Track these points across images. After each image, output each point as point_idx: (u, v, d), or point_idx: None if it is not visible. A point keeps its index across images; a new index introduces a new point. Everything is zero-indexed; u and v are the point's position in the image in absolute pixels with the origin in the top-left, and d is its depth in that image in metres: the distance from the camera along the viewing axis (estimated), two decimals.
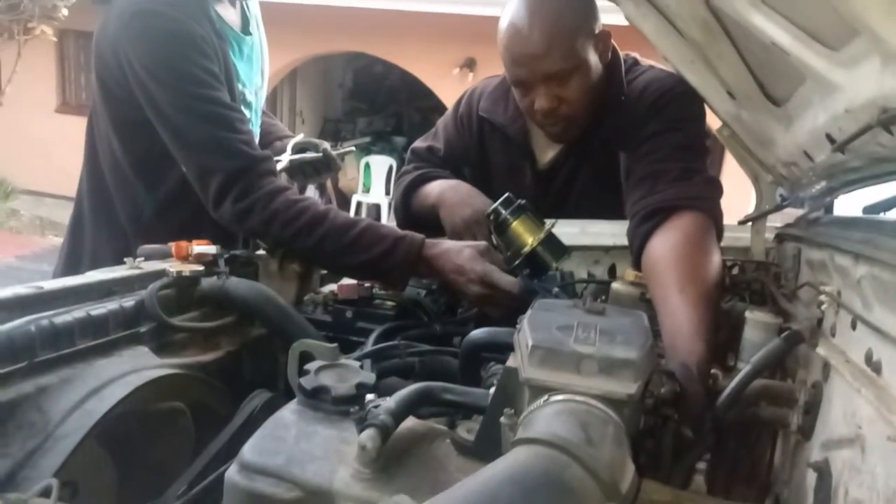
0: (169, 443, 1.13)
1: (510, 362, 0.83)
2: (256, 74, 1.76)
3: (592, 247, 1.74)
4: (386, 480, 0.76)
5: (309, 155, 1.85)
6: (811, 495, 0.93)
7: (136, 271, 1.27)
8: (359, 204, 10.11)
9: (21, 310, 1.01)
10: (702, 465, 1.07)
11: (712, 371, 1.08)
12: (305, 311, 1.55)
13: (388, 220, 8.99)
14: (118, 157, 1.61)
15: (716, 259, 1.29)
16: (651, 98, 1.56)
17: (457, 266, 1.45)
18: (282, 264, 1.60)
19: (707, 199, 1.40)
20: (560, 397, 0.72)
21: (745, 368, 1.01)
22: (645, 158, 1.49)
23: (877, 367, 0.84)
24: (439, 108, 8.77)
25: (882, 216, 1.20)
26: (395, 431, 0.79)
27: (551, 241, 1.47)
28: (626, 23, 1.44)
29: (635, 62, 1.68)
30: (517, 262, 1.47)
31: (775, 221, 1.72)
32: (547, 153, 1.75)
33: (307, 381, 0.88)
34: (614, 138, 1.60)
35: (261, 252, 1.58)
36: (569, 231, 1.61)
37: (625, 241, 1.49)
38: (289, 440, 0.81)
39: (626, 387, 0.74)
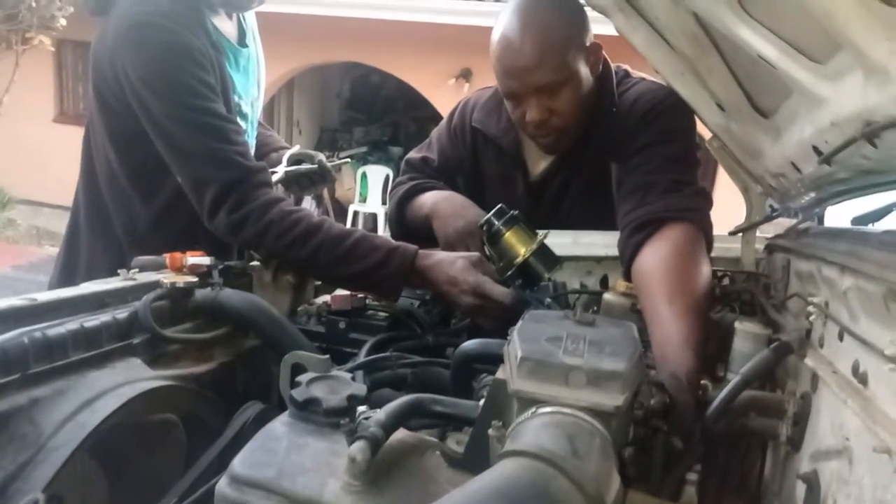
0: (161, 455, 1.13)
1: (500, 374, 0.84)
2: (252, 86, 1.77)
3: (584, 257, 1.75)
4: (376, 493, 0.76)
5: (304, 166, 1.86)
6: None
7: (130, 283, 1.27)
8: (355, 213, 10.12)
9: (15, 322, 1.01)
10: (693, 476, 1.07)
11: (702, 382, 1.08)
12: (299, 322, 1.56)
13: (384, 229, 9.00)
14: (114, 168, 1.62)
15: (705, 270, 1.30)
16: (642, 110, 1.57)
17: (450, 277, 1.45)
18: (276, 275, 1.61)
19: (696, 211, 1.41)
20: (548, 409, 0.73)
21: (734, 379, 1.01)
22: (635, 170, 1.50)
23: (863, 379, 0.84)
24: (435, 117, 8.80)
25: (869, 227, 1.21)
26: (386, 443, 0.79)
27: (543, 252, 1.48)
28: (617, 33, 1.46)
29: (626, 74, 1.70)
30: (509, 273, 1.47)
31: (767, 232, 1.73)
32: (539, 164, 1.77)
33: (298, 394, 0.88)
34: (606, 150, 1.61)
35: (255, 263, 1.58)
36: (561, 241, 1.62)
37: (616, 252, 1.50)
38: (280, 452, 0.81)
39: (613, 399, 0.74)
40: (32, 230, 9.61)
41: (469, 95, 1.93)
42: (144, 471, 1.11)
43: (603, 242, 1.69)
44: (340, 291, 1.60)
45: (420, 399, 0.89)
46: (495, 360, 0.97)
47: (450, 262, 1.47)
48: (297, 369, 0.99)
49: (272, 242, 1.47)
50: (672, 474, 0.93)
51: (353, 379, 0.97)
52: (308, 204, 2.43)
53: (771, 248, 1.60)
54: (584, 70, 1.54)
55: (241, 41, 1.72)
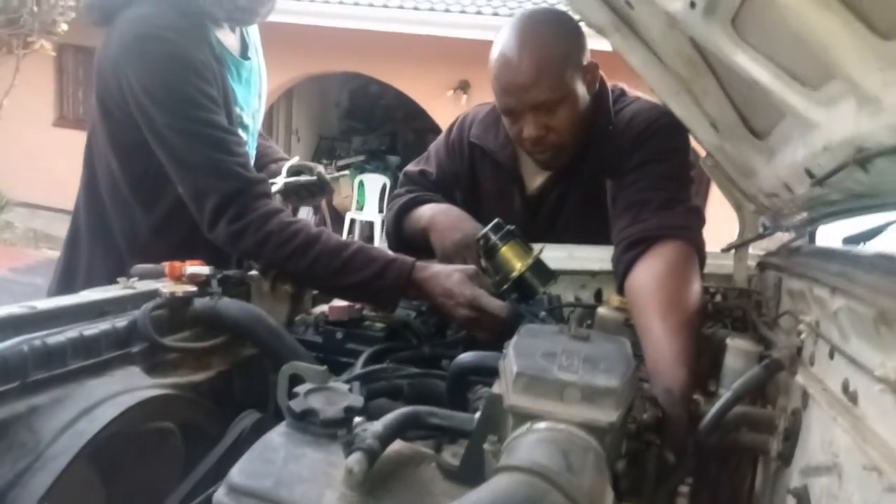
0: (159, 463, 1.14)
1: (495, 388, 0.85)
2: (254, 98, 1.78)
3: (579, 271, 1.77)
4: None
5: (303, 178, 1.87)
6: None
7: (129, 291, 1.28)
8: (352, 221, 10.14)
9: (14, 330, 1.02)
10: (685, 490, 1.09)
11: (694, 397, 1.10)
12: (297, 332, 1.56)
13: (381, 237, 9.01)
14: (116, 177, 1.63)
15: (697, 287, 1.32)
16: (637, 129, 1.59)
17: (446, 290, 1.47)
18: (274, 285, 1.62)
19: (689, 229, 1.43)
20: (543, 425, 0.74)
21: (726, 395, 1.03)
22: (630, 187, 1.52)
23: (853, 397, 0.85)
24: (433, 128, 8.85)
25: (861, 248, 1.23)
26: (382, 455, 0.80)
27: (539, 267, 1.50)
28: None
29: (622, 93, 1.72)
30: (505, 287, 1.49)
31: (759, 249, 1.75)
32: (536, 179, 1.78)
33: (296, 404, 0.89)
34: (601, 167, 1.63)
35: (253, 273, 1.59)
36: (556, 255, 1.63)
37: (610, 266, 1.52)
38: (277, 463, 0.82)
39: (607, 415, 0.76)
40: (30, 233, 9.59)
41: (468, 111, 1.94)
42: (142, 479, 1.11)
43: (597, 257, 1.70)
44: (338, 302, 1.61)
45: (417, 411, 0.90)
46: (490, 372, 0.99)
47: (446, 275, 1.49)
48: (295, 380, 1.00)
49: (271, 253, 1.48)
50: (664, 487, 0.94)
51: (350, 390, 0.98)
52: (305, 213, 2.43)
53: (763, 265, 1.61)
54: (580, 88, 1.56)
55: (244, 54, 1.73)
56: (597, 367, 0.82)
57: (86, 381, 1.07)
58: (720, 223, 2.14)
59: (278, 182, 1.78)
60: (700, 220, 1.49)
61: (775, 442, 1.04)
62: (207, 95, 1.50)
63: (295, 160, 1.92)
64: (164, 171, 1.53)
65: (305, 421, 0.88)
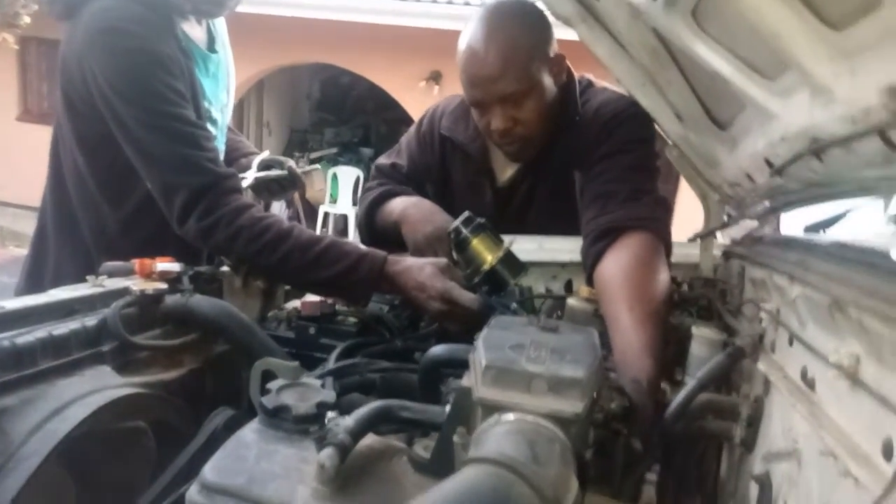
0: (131, 463, 1.13)
1: (465, 381, 0.86)
2: (222, 92, 1.77)
3: (549, 262, 1.79)
4: (344, 498, 0.78)
5: (274, 172, 1.87)
6: None
7: (99, 289, 1.27)
8: (326, 214, 10.07)
9: None
10: (652, 477, 1.11)
11: (661, 386, 1.12)
12: (269, 328, 1.56)
13: (354, 230, 8.97)
14: (82, 171, 1.61)
15: (663, 278, 1.34)
16: (603, 119, 1.61)
17: (418, 283, 1.47)
18: (246, 281, 1.61)
19: (656, 220, 1.45)
20: (510, 416, 0.75)
21: (691, 383, 1.05)
22: (597, 179, 1.54)
23: (811, 384, 0.87)
24: (406, 119, 8.80)
25: (819, 236, 1.26)
26: (354, 449, 0.81)
27: (509, 260, 1.51)
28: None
29: (589, 84, 1.73)
30: (477, 280, 1.50)
31: (727, 238, 1.78)
32: (506, 171, 1.80)
33: (268, 401, 0.89)
34: (569, 158, 1.65)
35: (225, 269, 1.58)
36: (527, 247, 1.65)
37: (580, 257, 1.53)
38: (250, 460, 0.82)
39: (573, 406, 0.77)
40: None
41: (438, 102, 1.95)
42: (114, 478, 1.11)
43: (567, 248, 1.72)
44: (310, 297, 1.61)
45: (388, 405, 0.91)
46: (462, 365, 1.00)
47: (418, 268, 1.49)
48: (268, 376, 1.00)
49: (242, 248, 1.48)
50: (631, 475, 0.96)
51: (323, 385, 0.98)
52: (279, 207, 2.42)
53: (728, 254, 1.64)
54: (547, 80, 1.58)
55: (211, 47, 1.72)
56: (564, 359, 0.83)
57: (56, 381, 1.06)
58: (692, 213, 2.17)
59: (248, 177, 1.77)
60: (667, 210, 1.51)
61: (738, 429, 1.06)
62: (174, 89, 1.49)
63: (265, 154, 1.91)
64: (131, 165, 1.51)
65: (278, 417, 0.88)
